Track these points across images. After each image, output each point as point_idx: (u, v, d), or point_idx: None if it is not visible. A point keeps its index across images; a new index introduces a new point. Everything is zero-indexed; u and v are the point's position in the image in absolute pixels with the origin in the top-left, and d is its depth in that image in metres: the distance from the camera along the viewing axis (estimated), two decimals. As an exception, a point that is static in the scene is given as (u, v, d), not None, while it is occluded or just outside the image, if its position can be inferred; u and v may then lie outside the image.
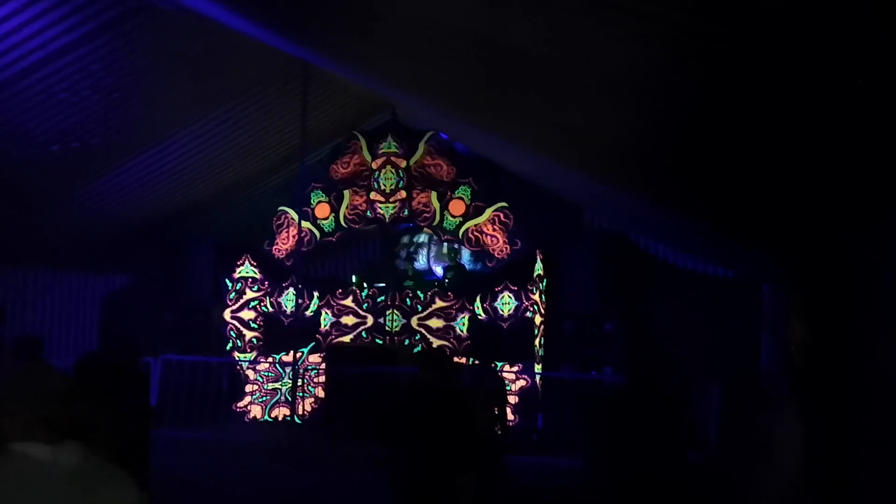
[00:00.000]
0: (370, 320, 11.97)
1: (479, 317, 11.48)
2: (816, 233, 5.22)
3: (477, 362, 7.00)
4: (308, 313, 12.14)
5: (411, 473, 5.18)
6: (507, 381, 9.45)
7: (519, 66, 5.29)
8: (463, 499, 5.07)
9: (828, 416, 4.99)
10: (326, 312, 12.16)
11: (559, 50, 4.79)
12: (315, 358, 12.17)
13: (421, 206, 12.28)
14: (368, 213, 12.50)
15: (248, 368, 12.34)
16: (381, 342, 11.85)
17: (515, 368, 11.13)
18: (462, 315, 11.59)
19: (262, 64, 9.85)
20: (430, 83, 6.85)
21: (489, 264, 11.98)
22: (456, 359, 11.34)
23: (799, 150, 4.66)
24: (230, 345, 12.45)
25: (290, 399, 11.68)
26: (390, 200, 12.35)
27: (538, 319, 11.30)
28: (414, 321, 11.77)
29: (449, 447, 5.12)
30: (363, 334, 11.98)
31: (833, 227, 5.01)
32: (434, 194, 12.21)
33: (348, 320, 12.07)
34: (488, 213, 11.98)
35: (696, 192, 6.09)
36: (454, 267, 12.48)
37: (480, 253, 12.14)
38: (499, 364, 11.14)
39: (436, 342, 11.51)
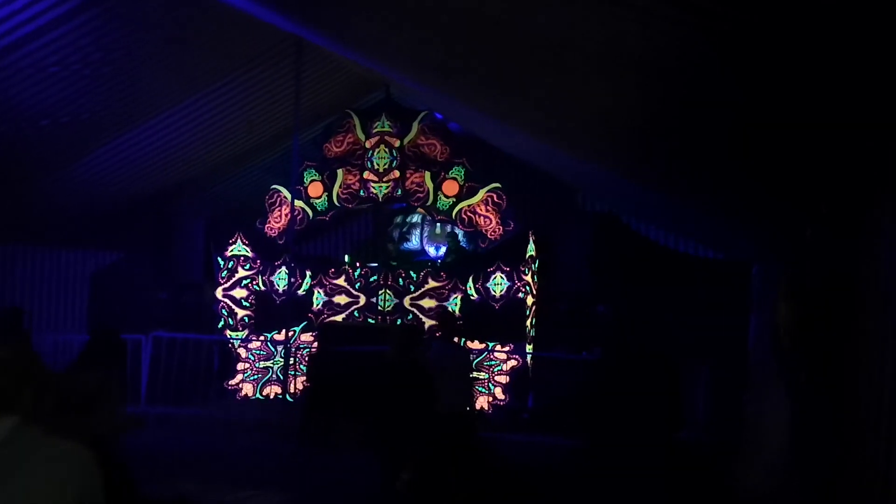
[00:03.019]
0: (363, 300, 11.97)
1: (472, 297, 11.50)
2: (806, 214, 5.23)
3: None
4: (300, 292, 12.13)
5: (388, 451, 5.16)
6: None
7: (513, 43, 5.27)
8: (437, 477, 5.06)
9: (814, 395, 5.03)
10: (319, 291, 12.15)
11: (555, 26, 4.76)
12: (307, 337, 12.18)
13: (414, 185, 12.25)
14: (362, 193, 12.47)
15: (239, 346, 12.35)
16: (373, 322, 11.85)
17: (507, 349, 11.16)
18: (455, 295, 11.60)
19: (255, 40, 9.78)
20: (424, 59, 6.81)
21: (482, 245, 11.98)
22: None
23: (790, 131, 4.66)
24: (222, 323, 12.44)
25: (281, 377, 11.69)
26: (384, 180, 12.32)
27: (530, 300, 11.32)
28: (406, 301, 11.78)
29: (419, 424, 5.12)
30: (355, 314, 11.99)
31: (822, 209, 5.02)
32: (428, 174, 12.18)
33: (340, 299, 12.07)
34: (482, 193, 11.97)
35: (688, 173, 6.10)
36: (456, 249, 12.45)
37: (473, 234, 12.14)
38: (490, 343, 11.20)
39: (428, 322, 11.52)
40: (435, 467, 5.05)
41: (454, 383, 6.79)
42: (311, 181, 12.69)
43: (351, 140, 12.60)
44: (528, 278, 11.30)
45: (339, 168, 12.58)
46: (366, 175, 12.40)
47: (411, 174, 12.26)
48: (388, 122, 12.35)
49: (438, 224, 13.32)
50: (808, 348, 5.25)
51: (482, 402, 10.91)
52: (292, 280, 11.87)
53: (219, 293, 12.47)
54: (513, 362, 11.16)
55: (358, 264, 12.20)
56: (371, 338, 10.88)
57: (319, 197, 12.68)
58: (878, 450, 4.10)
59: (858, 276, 4.61)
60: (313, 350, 11.43)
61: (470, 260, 12.09)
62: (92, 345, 5.78)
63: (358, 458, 8.73)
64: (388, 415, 5.21)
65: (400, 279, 11.84)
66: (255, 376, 12.29)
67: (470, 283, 11.51)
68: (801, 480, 5.36)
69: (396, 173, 12.27)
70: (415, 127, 12.32)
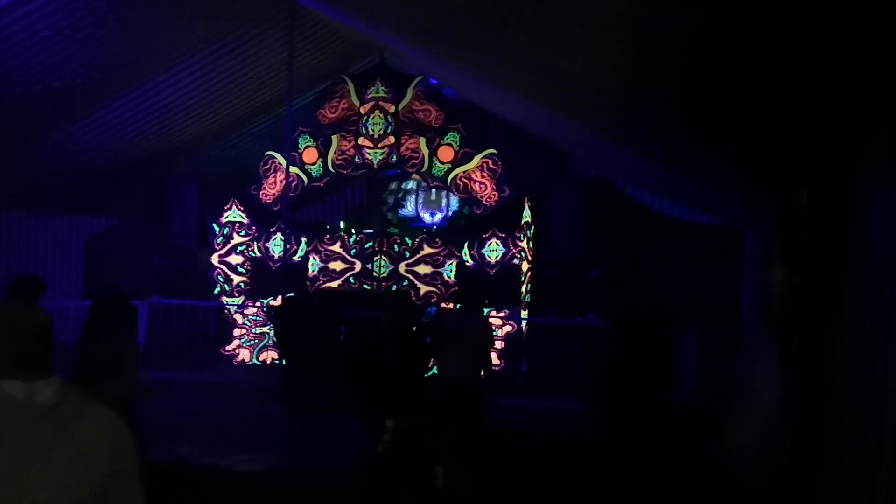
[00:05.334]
0: (358, 266, 12.00)
1: (467, 263, 11.53)
2: (798, 178, 5.24)
3: (462, 307, 6.95)
4: (296, 259, 12.16)
5: (377, 415, 5.18)
6: (493, 327, 9.47)
7: (508, 3, 5.21)
8: (437, 438, 5.10)
9: (805, 359, 5.08)
10: (314, 258, 12.18)
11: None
12: (303, 303, 12.20)
13: (409, 151, 12.22)
14: (356, 159, 12.43)
15: (235, 313, 12.40)
16: (368, 288, 11.90)
17: (502, 314, 11.22)
18: (450, 261, 11.63)
19: (248, 3, 9.68)
20: (417, 21, 6.75)
21: (477, 211, 11.98)
22: (443, 304, 11.46)
23: (783, 93, 4.65)
24: (218, 289, 12.47)
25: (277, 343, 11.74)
26: (378, 146, 12.28)
27: (525, 266, 11.36)
28: (402, 267, 11.82)
29: (408, 387, 5.15)
30: (351, 280, 12.02)
31: (814, 173, 5.03)
32: (422, 140, 12.14)
33: (336, 266, 12.09)
34: (477, 159, 11.94)
35: (682, 136, 6.09)
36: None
37: (469, 200, 12.14)
38: (486, 310, 11.25)
39: (424, 288, 11.58)
40: (420, 432, 5.06)
41: (470, 352, 6.83)
42: (306, 147, 12.64)
43: (345, 106, 12.53)
44: (524, 244, 11.33)
45: (333, 134, 12.53)
46: (360, 141, 12.35)
47: (406, 140, 12.21)
48: (383, 88, 12.27)
49: (434, 190, 13.31)
50: (800, 314, 5.29)
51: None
52: (287, 246, 11.87)
53: (214, 259, 12.49)
54: (508, 328, 11.24)
55: (353, 231, 12.22)
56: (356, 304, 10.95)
57: (314, 163, 12.64)
58: (869, 415, 4.16)
59: (852, 242, 4.64)
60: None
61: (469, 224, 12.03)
62: (99, 309, 5.73)
63: (351, 423, 8.84)
64: (378, 378, 5.23)
65: (395, 245, 11.86)
66: (252, 342, 12.35)
67: (465, 250, 11.54)
68: (790, 445, 5.44)
69: (391, 139, 12.22)
70: (409, 92, 12.25)
